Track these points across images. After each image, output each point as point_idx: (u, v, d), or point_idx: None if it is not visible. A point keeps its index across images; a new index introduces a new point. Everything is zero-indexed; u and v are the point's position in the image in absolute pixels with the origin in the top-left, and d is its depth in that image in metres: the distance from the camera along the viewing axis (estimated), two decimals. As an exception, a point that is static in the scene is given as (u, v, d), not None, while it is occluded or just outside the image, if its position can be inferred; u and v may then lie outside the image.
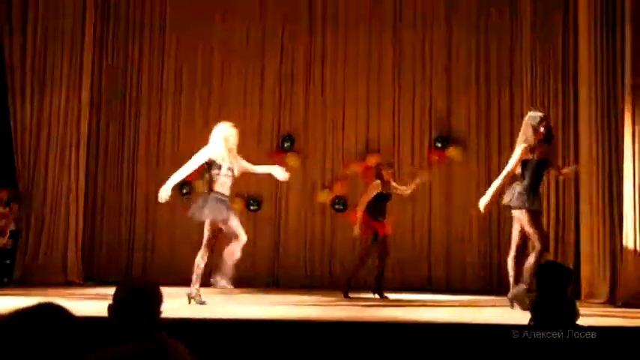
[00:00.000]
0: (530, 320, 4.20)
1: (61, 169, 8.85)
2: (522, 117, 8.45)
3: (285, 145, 9.27)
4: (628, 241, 6.44)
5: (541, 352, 3.92)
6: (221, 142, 6.26)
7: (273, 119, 9.36)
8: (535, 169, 5.99)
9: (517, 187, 6.01)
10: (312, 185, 9.31)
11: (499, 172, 8.77)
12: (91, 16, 9.14)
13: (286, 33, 9.55)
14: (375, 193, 7.48)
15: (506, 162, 8.85)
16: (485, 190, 8.81)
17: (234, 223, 6.22)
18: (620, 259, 6.62)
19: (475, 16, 9.14)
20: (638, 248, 6.35)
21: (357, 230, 7.42)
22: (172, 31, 9.65)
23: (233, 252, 6.21)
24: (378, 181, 7.53)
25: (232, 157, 6.31)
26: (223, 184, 6.24)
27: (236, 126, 6.46)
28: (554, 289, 4.08)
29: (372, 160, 9.12)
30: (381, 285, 7.49)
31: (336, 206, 9.19)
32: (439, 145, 8.98)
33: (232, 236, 6.21)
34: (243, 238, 6.21)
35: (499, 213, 8.80)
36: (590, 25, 7.08)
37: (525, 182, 5.99)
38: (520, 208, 5.97)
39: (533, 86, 8.22)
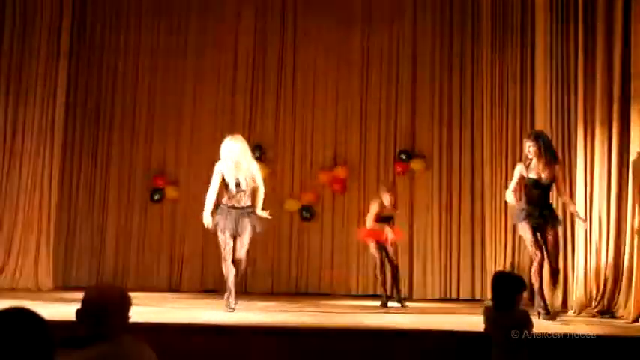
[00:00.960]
0: (485, 329, 4.29)
1: (34, 174, 8.77)
2: (482, 135, 8.68)
3: (255, 155, 9.27)
4: (579, 256, 6.58)
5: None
6: (222, 159, 6.30)
7: (243, 130, 9.36)
8: (526, 188, 6.13)
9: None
10: (279, 195, 9.33)
11: (460, 187, 8.98)
12: (67, 24, 9.09)
13: (258, 45, 9.59)
14: (374, 213, 7.41)
15: (467, 178, 9.03)
16: (447, 202, 9.01)
17: (240, 242, 6.25)
18: (572, 273, 6.75)
19: (439, 39, 9.26)
20: (587, 263, 6.48)
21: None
22: (146, 42, 9.65)
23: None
24: (376, 204, 7.45)
25: (240, 171, 6.25)
26: (232, 198, 6.27)
27: (238, 137, 6.45)
28: (506, 299, 4.18)
29: (340, 172, 9.20)
30: (398, 292, 7.45)
31: (304, 215, 9.24)
32: (403, 157, 9.08)
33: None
34: (237, 256, 6.27)
35: (459, 223, 8.93)
36: (545, 48, 7.24)
37: (521, 200, 6.17)
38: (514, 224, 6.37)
39: (493, 105, 8.40)
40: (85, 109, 9.51)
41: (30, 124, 8.78)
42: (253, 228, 6.33)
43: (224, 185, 6.30)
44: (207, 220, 6.26)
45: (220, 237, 6.26)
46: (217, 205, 6.38)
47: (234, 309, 6.13)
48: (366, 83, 9.39)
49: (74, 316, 2.46)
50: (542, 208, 6.05)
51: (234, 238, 6.26)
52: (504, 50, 8.31)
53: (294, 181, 9.42)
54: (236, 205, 6.27)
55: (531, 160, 6.08)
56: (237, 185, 6.24)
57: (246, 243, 6.30)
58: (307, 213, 9.24)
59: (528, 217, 6.03)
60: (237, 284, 6.38)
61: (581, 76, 6.64)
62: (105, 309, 2.40)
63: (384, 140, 9.29)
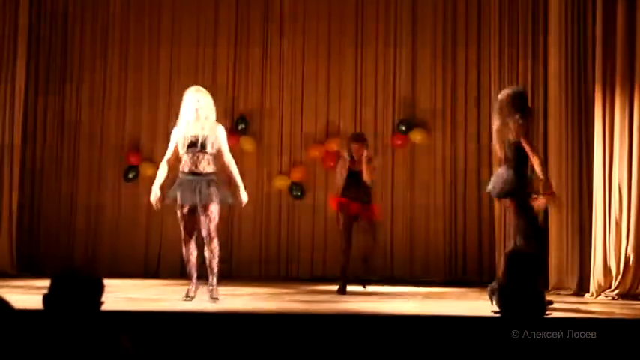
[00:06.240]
0: (497, 311, 4.27)
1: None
2: (490, 102, 8.58)
3: (239, 127, 9.23)
4: (597, 233, 6.58)
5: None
6: (183, 113, 5.76)
7: (226, 100, 9.28)
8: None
9: None
10: (267, 171, 9.29)
11: (465, 158, 8.91)
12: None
13: (241, 7, 9.48)
14: (343, 172, 7.22)
15: (472, 148, 8.92)
16: (451, 176, 8.95)
17: (207, 216, 5.63)
18: (589, 252, 6.76)
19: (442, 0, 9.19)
20: (607, 240, 6.49)
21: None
22: (116, 5, 9.52)
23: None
24: (345, 158, 7.30)
25: (204, 127, 5.69)
26: (186, 163, 5.68)
27: (205, 91, 5.94)
28: (523, 279, 4.17)
29: (333, 145, 9.14)
30: (365, 273, 7.24)
31: (294, 193, 9.20)
32: (403, 128, 9.03)
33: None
34: (204, 233, 5.74)
35: (465, 200, 8.91)
36: (560, 16, 7.17)
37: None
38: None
39: (501, 72, 8.30)
40: (49, 75, 9.39)
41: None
42: (223, 199, 5.75)
43: (182, 147, 5.71)
44: (153, 193, 5.75)
45: (178, 213, 5.72)
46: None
47: (192, 297, 5.81)
48: (361, 44, 9.26)
49: (41, 303, 2.41)
50: None
51: (196, 212, 5.69)
52: (514, 16, 8.21)
53: (282, 155, 9.37)
54: (194, 170, 5.66)
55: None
56: (197, 145, 5.65)
57: (214, 217, 5.70)
58: (297, 190, 9.20)
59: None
60: (219, 269, 5.89)
61: (600, 34, 6.60)
62: (75, 294, 2.36)
63: (382, 109, 9.23)
